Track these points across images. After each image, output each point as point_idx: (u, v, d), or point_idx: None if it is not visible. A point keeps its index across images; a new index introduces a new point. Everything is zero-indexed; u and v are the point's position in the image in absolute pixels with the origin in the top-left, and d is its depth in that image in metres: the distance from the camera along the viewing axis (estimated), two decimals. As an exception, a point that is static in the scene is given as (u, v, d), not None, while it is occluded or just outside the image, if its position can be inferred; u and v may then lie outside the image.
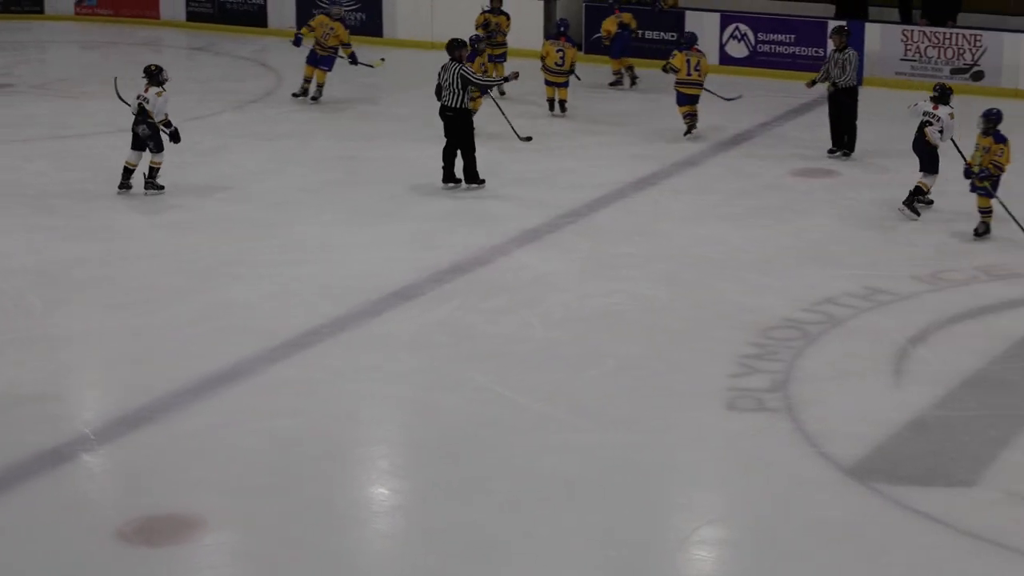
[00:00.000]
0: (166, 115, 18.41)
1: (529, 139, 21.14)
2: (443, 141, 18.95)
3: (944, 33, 25.30)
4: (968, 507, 10.88)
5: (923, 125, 17.56)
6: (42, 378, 13.14)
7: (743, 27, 27.11)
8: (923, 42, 25.19)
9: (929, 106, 17.69)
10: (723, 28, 27.16)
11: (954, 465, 11.56)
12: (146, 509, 10.67)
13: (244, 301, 14.97)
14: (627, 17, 25.90)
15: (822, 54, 24.45)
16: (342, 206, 18.54)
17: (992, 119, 16.67)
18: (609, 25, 25.76)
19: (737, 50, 27.00)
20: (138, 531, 10.34)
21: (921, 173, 17.66)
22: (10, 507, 10.85)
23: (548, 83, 23.67)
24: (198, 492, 10.97)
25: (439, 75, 18.84)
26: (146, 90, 18.52)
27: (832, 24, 24.14)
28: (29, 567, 9.95)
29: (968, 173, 16.76)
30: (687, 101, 21.45)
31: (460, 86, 18.56)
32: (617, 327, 14.41)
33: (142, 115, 18.39)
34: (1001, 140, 16.59)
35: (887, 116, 21.18)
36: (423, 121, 22.85)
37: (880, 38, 25.74)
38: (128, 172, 18.63)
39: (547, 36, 25.80)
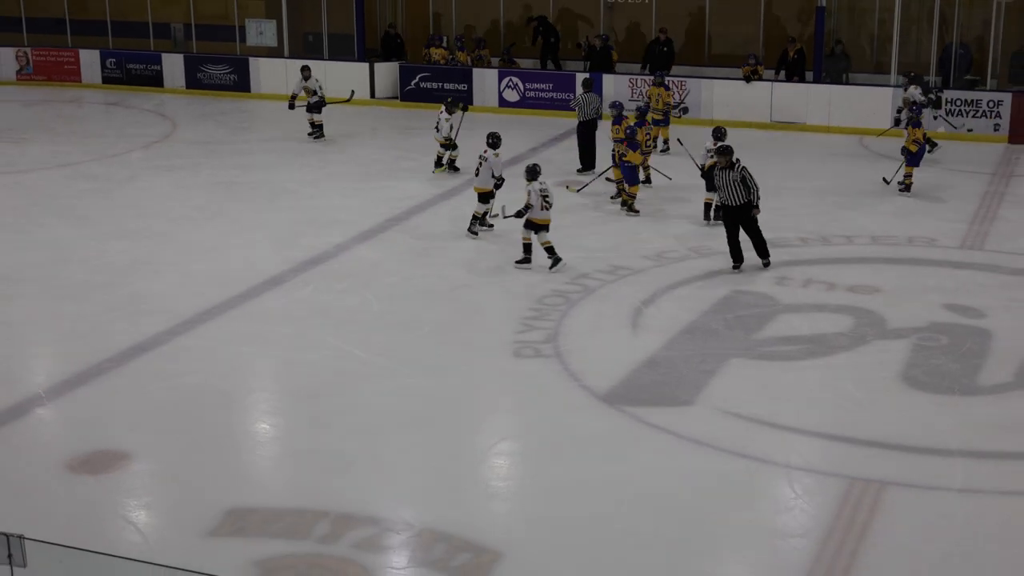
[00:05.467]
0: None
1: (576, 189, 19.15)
2: None
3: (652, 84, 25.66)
4: (689, 420, 11.10)
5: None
6: (1, 353, 12.81)
7: (515, 79, 27.26)
8: (644, 87, 25.54)
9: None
10: (500, 80, 27.28)
11: (677, 390, 11.77)
12: (87, 447, 10.47)
13: (153, 290, 14.70)
14: None
15: (570, 96, 24.72)
16: (224, 217, 18.29)
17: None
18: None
19: (511, 96, 27.13)
20: (82, 463, 10.16)
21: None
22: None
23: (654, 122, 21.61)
24: (126, 433, 10.79)
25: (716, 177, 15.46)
26: (307, 80, 23.71)
27: (580, 76, 24.53)
28: (2, 493, 9.72)
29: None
30: None
31: (742, 185, 15.07)
32: (431, 300, 14.41)
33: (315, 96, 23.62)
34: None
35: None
36: (284, 153, 22.74)
37: (614, 85, 26.04)
38: (315, 125, 23.77)
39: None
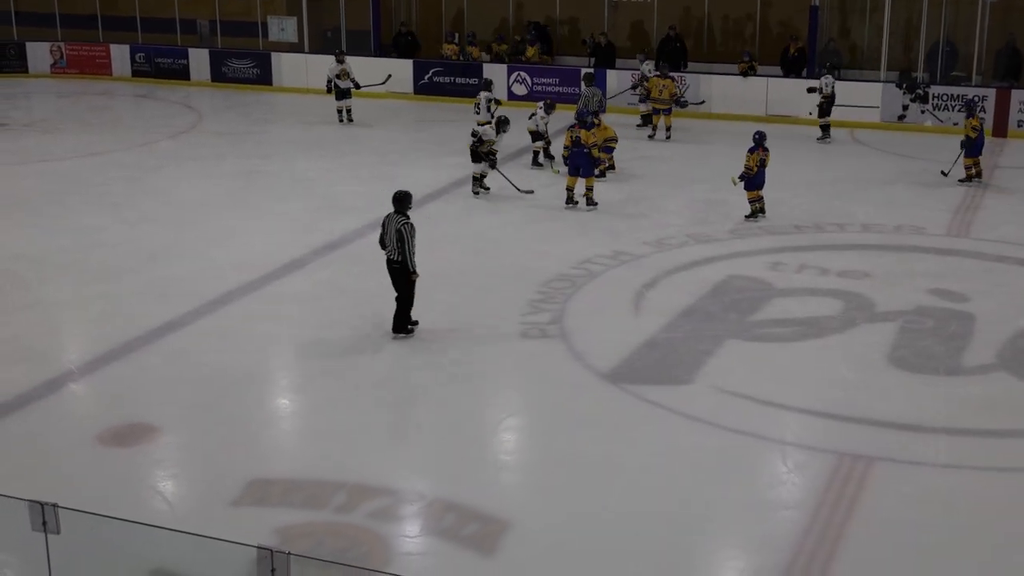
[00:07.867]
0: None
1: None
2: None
3: (657, 75, 25.55)
4: (686, 397, 11.11)
5: None
6: (36, 332, 12.84)
7: (523, 73, 27.21)
8: (646, 81, 25.42)
9: None
10: (509, 74, 27.23)
11: (675, 369, 11.78)
12: (116, 420, 10.52)
13: (179, 273, 14.71)
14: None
15: (576, 91, 24.63)
16: (246, 204, 18.29)
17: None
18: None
19: (519, 90, 27.07)
20: (113, 436, 10.19)
21: None
22: (22, 422, 10.64)
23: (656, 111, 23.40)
24: (153, 408, 10.82)
25: (382, 226, 12.52)
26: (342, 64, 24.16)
27: (583, 70, 24.43)
28: (37, 464, 9.74)
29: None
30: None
31: (397, 240, 12.25)
32: (443, 283, 14.37)
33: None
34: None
35: (621, 132, 21.28)
36: (303, 143, 22.71)
37: (616, 79, 25.98)
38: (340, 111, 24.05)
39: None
